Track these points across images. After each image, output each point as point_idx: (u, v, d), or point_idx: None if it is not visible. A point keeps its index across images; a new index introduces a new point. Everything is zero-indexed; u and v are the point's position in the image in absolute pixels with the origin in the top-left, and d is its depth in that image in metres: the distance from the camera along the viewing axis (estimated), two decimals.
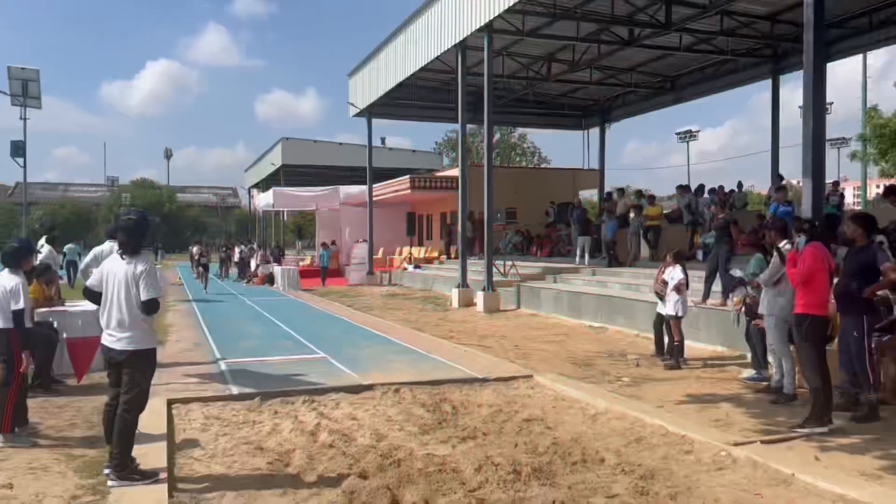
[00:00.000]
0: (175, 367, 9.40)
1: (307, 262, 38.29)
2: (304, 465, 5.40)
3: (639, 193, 21.33)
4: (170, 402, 7.21)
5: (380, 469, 5.28)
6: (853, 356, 6.48)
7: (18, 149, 18.03)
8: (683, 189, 18.17)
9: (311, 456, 5.63)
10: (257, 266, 29.78)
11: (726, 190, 19.93)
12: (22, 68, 17.68)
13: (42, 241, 13.29)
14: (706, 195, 18.94)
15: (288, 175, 46.20)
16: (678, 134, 58.84)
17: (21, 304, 5.70)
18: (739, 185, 20.38)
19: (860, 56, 33.01)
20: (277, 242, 42.47)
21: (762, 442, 5.84)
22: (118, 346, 4.87)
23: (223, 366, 9.52)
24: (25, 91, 17.64)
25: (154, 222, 5.30)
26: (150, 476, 4.82)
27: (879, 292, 7.25)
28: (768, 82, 21.11)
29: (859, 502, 4.50)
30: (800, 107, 10.25)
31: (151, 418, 6.43)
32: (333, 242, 32.49)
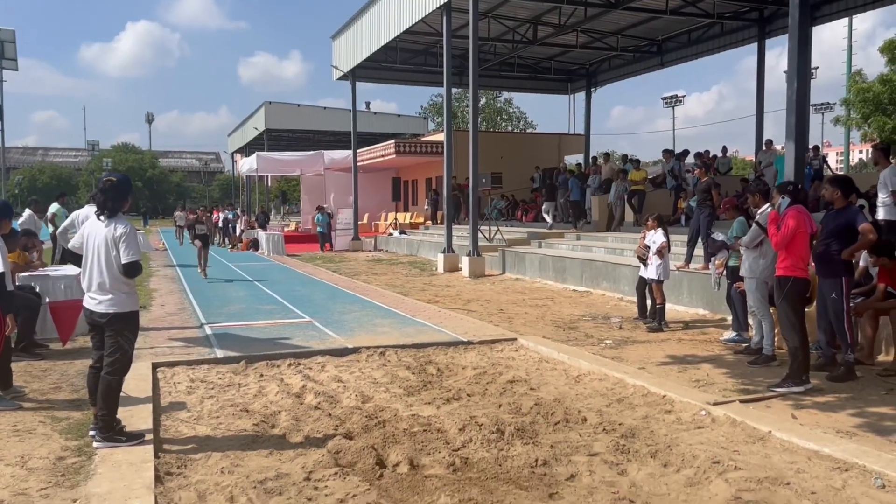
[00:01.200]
0: (159, 331, 9.39)
1: (291, 227, 38.14)
2: (290, 426, 5.44)
3: (624, 158, 21.34)
4: (155, 366, 7.21)
5: (365, 430, 5.33)
6: (832, 317, 6.58)
7: None
8: (668, 154, 18.19)
9: (297, 417, 5.67)
10: (241, 231, 29.61)
11: (711, 154, 20.01)
12: None
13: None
14: (691, 160, 19.01)
15: (272, 139, 45.77)
16: (664, 99, 58.80)
17: (0, 268, 5.64)
18: (724, 149, 20.43)
19: (846, 20, 32.93)
20: (262, 208, 42.17)
21: (741, 401, 5.95)
22: (100, 309, 4.85)
23: (208, 330, 9.52)
24: (1, 52, 17.22)
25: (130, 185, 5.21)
26: (135, 437, 4.84)
27: (861, 264, 7.37)
28: (755, 47, 21.06)
29: (833, 458, 4.61)
30: (785, 72, 10.23)
31: (136, 382, 6.46)
32: (319, 208, 32.34)
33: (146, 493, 4.01)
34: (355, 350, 8.11)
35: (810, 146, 19.35)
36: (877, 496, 4.06)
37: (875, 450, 4.75)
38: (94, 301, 4.87)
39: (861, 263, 7.43)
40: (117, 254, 4.85)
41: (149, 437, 4.97)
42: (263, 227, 30.53)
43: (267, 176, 45.27)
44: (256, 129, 45.43)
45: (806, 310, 6.65)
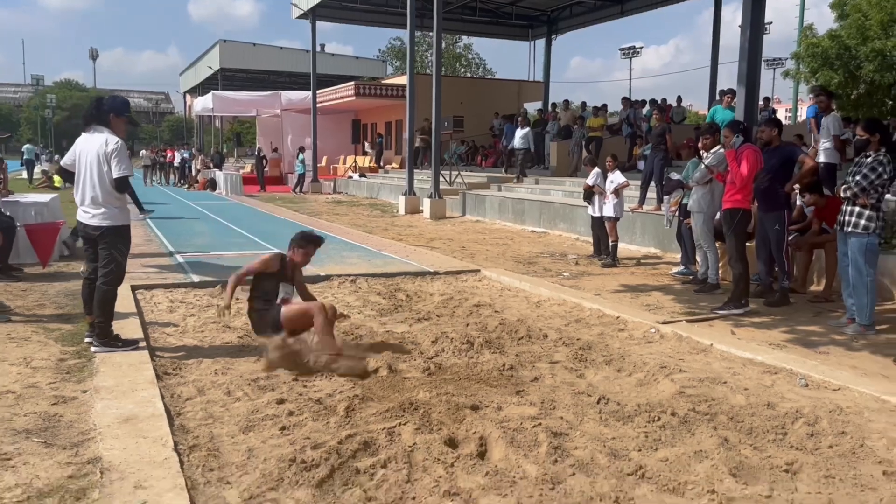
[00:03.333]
0: (132, 258, 9.53)
1: (247, 169, 37.73)
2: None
3: (583, 106, 21.75)
4: (134, 288, 7.44)
5: (343, 343, 5.73)
6: (773, 247, 7.17)
7: None
8: (626, 101, 18.65)
9: None
10: (198, 171, 29.26)
11: (668, 103, 20.56)
12: None
13: None
14: (647, 110, 19.51)
15: (226, 79, 44.78)
16: (622, 50, 59.11)
17: None
18: (678, 99, 21.01)
19: None
20: (217, 147, 41.49)
21: (687, 321, 6.54)
22: (93, 223, 5.08)
23: (179, 258, 9.73)
24: None
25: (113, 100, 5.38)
26: (131, 343, 5.15)
27: (797, 203, 7.97)
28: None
29: (765, 364, 5.21)
30: (740, 26, 10.61)
31: (119, 301, 6.65)
32: (276, 150, 32.09)
33: (150, 386, 4.36)
34: (327, 277, 8.45)
35: (761, 98, 20.07)
36: (800, 392, 4.66)
37: (801, 358, 5.37)
38: (88, 215, 5.09)
39: (797, 203, 8.04)
40: (108, 169, 5.05)
41: (142, 343, 5.28)
42: (219, 167, 30.21)
43: (221, 117, 44.45)
44: (210, 67, 44.34)
45: (746, 244, 7.24)
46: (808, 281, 7.94)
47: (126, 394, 4.22)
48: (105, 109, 5.14)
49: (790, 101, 53.10)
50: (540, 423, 3.88)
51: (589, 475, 3.31)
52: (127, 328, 5.67)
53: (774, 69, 60.65)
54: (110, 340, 5.08)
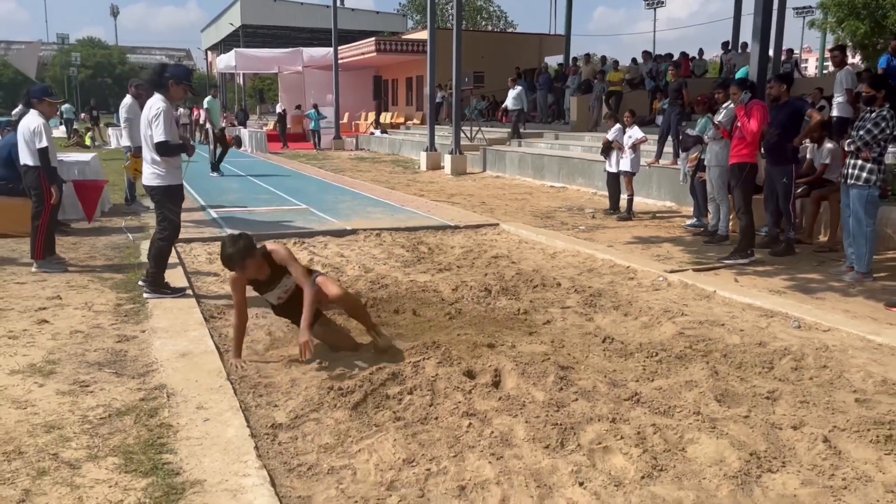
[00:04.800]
0: None
1: (270, 126, 38.11)
2: None
3: (603, 60, 21.72)
4: None
5: (371, 291, 6.20)
6: (780, 200, 7.48)
7: None
8: (647, 55, 18.65)
9: None
10: (222, 129, 29.65)
11: (690, 57, 20.49)
12: None
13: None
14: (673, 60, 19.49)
15: (247, 36, 44.83)
16: (645, 0, 57.84)
17: (45, 143, 6.25)
18: (700, 52, 20.93)
19: None
20: (240, 105, 41.84)
21: (694, 270, 6.92)
22: (146, 182, 5.55)
23: (213, 213, 10.25)
24: None
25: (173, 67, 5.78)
26: (178, 290, 5.66)
27: (808, 157, 8.21)
28: None
29: (762, 308, 5.60)
30: None
31: None
32: (299, 107, 32.38)
33: (200, 327, 4.88)
34: (353, 231, 8.92)
35: (784, 49, 19.93)
36: (792, 333, 5.06)
37: (798, 303, 5.75)
38: (145, 174, 5.55)
39: (808, 156, 8.29)
40: (151, 133, 5.47)
41: (189, 291, 5.79)
42: (243, 124, 30.63)
43: (243, 74, 44.69)
44: (232, 24, 44.42)
45: (754, 197, 7.54)
46: (815, 232, 8.23)
47: (180, 333, 4.74)
48: (166, 76, 5.50)
49: (818, 51, 51.97)
50: (549, 358, 4.32)
51: (590, 400, 3.76)
52: (172, 277, 6.17)
53: (804, 17, 59.06)
54: (160, 288, 5.59)
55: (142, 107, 5.80)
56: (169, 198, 5.62)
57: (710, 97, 9.44)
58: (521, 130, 19.10)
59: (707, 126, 8.89)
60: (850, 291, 6.15)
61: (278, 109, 31.60)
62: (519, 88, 18.90)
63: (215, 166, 16.42)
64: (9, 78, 78.89)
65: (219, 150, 16.43)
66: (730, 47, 19.09)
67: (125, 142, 10.79)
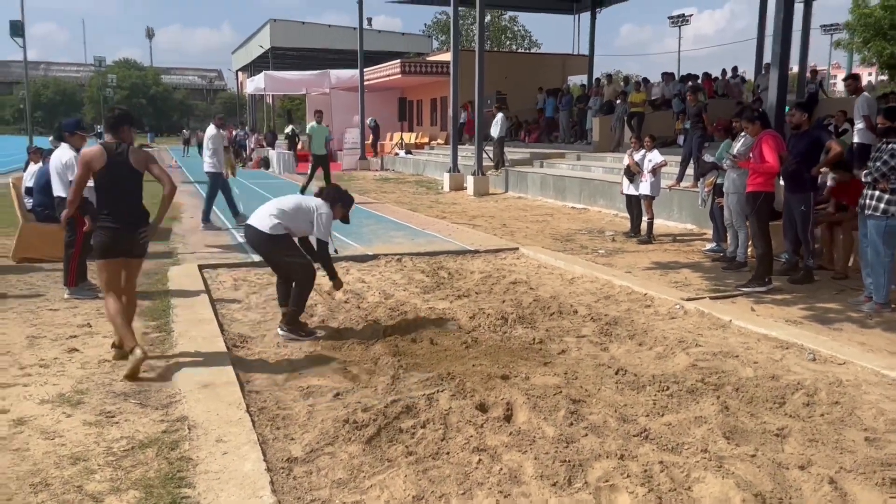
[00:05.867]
0: (196, 237, 10.34)
1: (298, 146, 38.64)
2: (327, 315, 6.44)
3: (626, 80, 21.77)
4: (201, 267, 8.16)
5: (390, 318, 6.32)
6: (799, 227, 7.48)
7: (17, 28, 18.08)
8: (668, 76, 18.66)
9: (331, 309, 6.66)
10: (252, 150, 30.24)
11: (713, 77, 20.42)
12: None
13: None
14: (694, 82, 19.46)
15: (276, 57, 45.63)
16: (670, 18, 57.85)
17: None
18: (734, 70, 20.69)
19: None
20: (270, 127, 42.54)
21: (710, 298, 6.94)
22: (258, 236, 5.58)
23: (240, 238, 10.46)
24: None
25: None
26: (311, 334, 5.71)
27: (829, 184, 8.20)
28: None
29: (778, 339, 5.61)
30: None
31: (189, 279, 7.46)
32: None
33: (223, 356, 5.02)
34: (374, 257, 9.06)
35: (809, 69, 19.81)
36: (807, 366, 5.06)
37: (815, 334, 5.75)
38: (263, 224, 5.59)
39: (829, 183, 8.27)
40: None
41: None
42: (272, 145, 31.15)
43: (271, 94, 45.45)
44: (261, 46, 45.26)
45: (771, 223, 7.55)
46: (836, 258, 8.19)
47: (203, 363, 4.89)
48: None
49: (846, 69, 51.40)
50: (561, 391, 4.39)
51: (599, 436, 3.82)
52: (198, 304, 6.39)
53: (831, 34, 58.58)
54: (296, 329, 5.69)
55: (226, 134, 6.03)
56: (279, 246, 5.60)
57: (728, 123, 9.49)
58: (506, 158, 19.16)
59: (725, 151, 8.92)
60: (867, 322, 6.13)
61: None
62: (500, 115, 19.00)
63: (308, 185, 15.43)
64: (48, 98, 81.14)
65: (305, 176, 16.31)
66: (763, 70, 19.01)
67: (207, 168, 11.46)
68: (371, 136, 29.79)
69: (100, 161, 4.74)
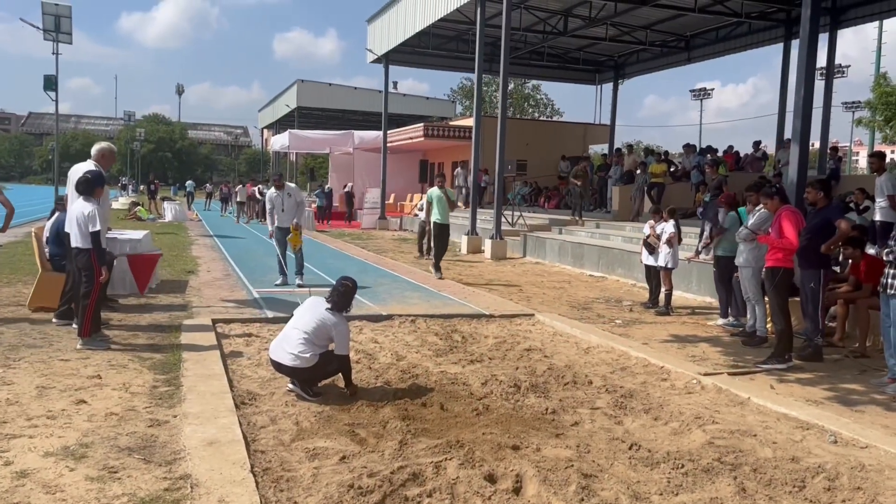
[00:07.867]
0: (213, 291, 10.39)
1: (315, 204, 39.27)
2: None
3: (647, 151, 21.97)
4: (214, 321, 8.17)
5: (401, 381, 6.25)
6: (808, 304, 7.38)
7: (50, 83, 18.71)
8: (689, 148, 18.82)
9: None
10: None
11: (734, 150, 20.59)
12: (55, 4, 18.23)
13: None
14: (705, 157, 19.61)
15: (302, 116, 46.76)
16: (692, 91, 58.76)
17: (97, 227, 6.61)
18: (756, 144, 20.89)
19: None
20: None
21: (729, 373, 6.79)
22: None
23: (255, 293, 10.51)
24: (58, 26, 18.24)
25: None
26: (318, 394, 5.65)
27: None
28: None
29: (798, 419, 5.45)
30: (819, 68, 10.69)
31: (202, 334, 7.46)
32: (345, 186, 33.33)
33: (230, 414, 4.97)
34: (389, 317, 9.03)
35: (829, 146, 19.91)
36: (828, 448, 4.90)
37: (836, 415, 5.58)
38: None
39: (850, 260, 8.19)
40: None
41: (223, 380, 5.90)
42: None
43: (295, 152, 46.42)
44: (288, 106, 46.47)
45: (791, 299, 7.45)
46: (846, 335, 8.05)
47: (209, 420, 4.83)
48: None
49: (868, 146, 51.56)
50: (573, 465, 4.27)
51: None
52: (209, 359, 6.36)
53: (853, 111, 59.12)
54: (307, 387, 5.66)
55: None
56: (319, 369, 5.67)
57: (732, 196, 9.51)
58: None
59: (729, 224, 8.93)
60: (892, 405, 5.95)
61: (322, 188, 33.05)
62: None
63: (436, 266, 13.58)
64: (76, 150, 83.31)
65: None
66: (783, 145, 19.18)
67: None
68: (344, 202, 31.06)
69: None
